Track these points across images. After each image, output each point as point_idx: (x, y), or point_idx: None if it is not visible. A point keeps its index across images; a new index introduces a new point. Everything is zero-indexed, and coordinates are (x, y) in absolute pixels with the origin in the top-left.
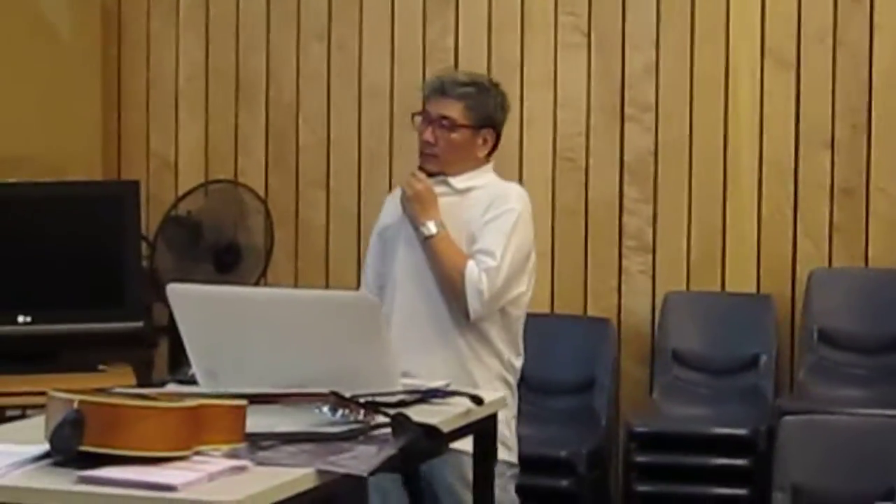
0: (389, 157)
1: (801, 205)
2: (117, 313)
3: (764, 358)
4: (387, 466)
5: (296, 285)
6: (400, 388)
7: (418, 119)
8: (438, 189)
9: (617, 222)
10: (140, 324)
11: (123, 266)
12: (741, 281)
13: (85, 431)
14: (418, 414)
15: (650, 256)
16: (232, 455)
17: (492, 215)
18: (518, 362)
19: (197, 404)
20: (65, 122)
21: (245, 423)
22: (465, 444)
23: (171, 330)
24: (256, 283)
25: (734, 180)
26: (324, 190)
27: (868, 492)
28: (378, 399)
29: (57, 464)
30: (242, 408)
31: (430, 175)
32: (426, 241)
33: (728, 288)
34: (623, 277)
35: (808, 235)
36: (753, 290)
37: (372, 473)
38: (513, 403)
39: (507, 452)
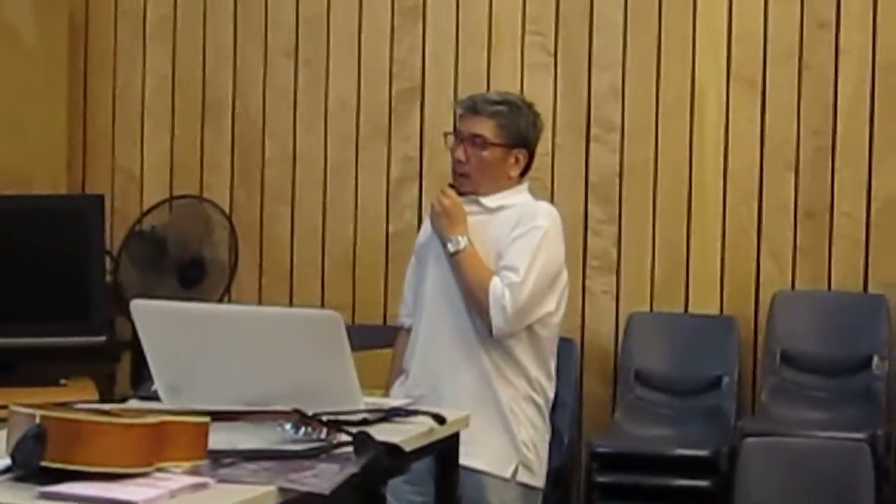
0: (355, 173)
1: (765, 227)
2: (80, 327)
3: (726, 379)
4: (349, 485)
5: (260, 300)
6: (363, 407)
7: (450, 139)
8: (469, 208)
9: (581, 242)
10: (103, 338)
11: (87, 280)
12: (705, 302)
13: (47, 446)
14: (381, 432)
15: (614, 277)
16: (193, 472)
17: (518, 232)
18: (549, 385)
19: (159, 421)
20: (30, 133)
21: (207, 441)
22: (488, 465)
23: (134, 344)
24: (221, 298)
25: (699, 201)
26: (289, 205)
27: None
28: (341, 417)
29: (18, 479)
30: (205, 425)
31: (462, 194)
32: (453, 256)
33: (692, 309)
34: (587, 298)
35: (772, 257)
36: (717, 311)
37: (333, 492)
38: (543, 427)
39: (527, 475)
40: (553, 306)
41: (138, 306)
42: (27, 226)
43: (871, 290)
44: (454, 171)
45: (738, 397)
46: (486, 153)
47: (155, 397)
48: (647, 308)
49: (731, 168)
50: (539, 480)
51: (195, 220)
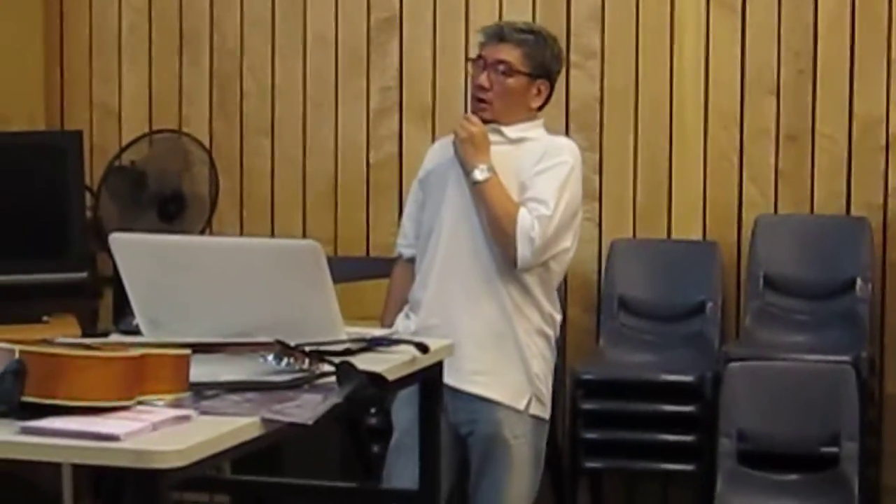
0: (335, 105)
1: (746, 151)
2: (61, 264)
3: (710, 305)
4: (332, 415)
5: (241, 233)
6: (345, 337)
7: (471, 65)
8: (491, 137)
9: None
10: (84, 274)
11: (67, 217)
12: (687, 228)
13: (27, 382)
14: (364, 362)
15: (596, 204)
16: (176, 405)
17: (544, 165)
18: (558, 317)
19: (140, 354)
20: (6, 71)
21: (189, 373)
22: (505, 397)
23: (116, 280)
24: (202, 232)
25: (680, 128)
26: (268, 138)
27: (813, 437)
28: (323, 348)
29: None
30: (186, 357)
31: (484, 122)
32: (476, 185)
33: (674, 235)
34: None
35: (754, 182)
36: (699, 236)
37: (316, 422)
38: (551, 358)
39: (540, 408)
40: (569, 243)
41: (117, 239)
42: (5, 163)
43: (853, 212)
44: (474, 98)
45: (721, 322)
46: (510, 80)
47: (136, 331)
48: (630, 234)
49: (711, 93)
50: (548, 412)
51: (174, 154)
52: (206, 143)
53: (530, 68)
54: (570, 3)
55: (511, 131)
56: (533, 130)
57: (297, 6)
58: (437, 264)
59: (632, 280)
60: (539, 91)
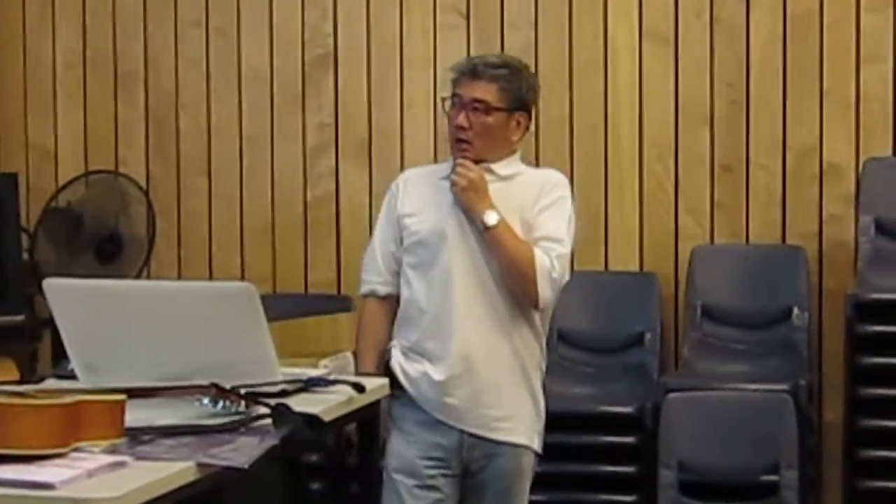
0: (271, 142)
1: (682, 182)
2: None
3: (648, 335)
4: (268, 457)
5: (179, 274)
6: (281, 378)
7: (448, 104)
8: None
9: None
10: (22, 317)
11: (4, 259)
12: (624, 259)
13: None
14: (300, 403)
15: None
16: (111, 451)
17: (547, 202)
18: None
19: (74, 400)
20: None
21: (124, 419)
22: (525, 439)
23: (54, 322)
24: (139, 273)
25: (615, 159)
26: (205, 177)
27: (754, 466)
28: (259, 389)
29: None
30: (121, 402)
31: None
32: (487, 230)
33: (611, 266)
34: None
35: (690, 212)
36: (636, 268)
37: (252, 466)
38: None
39: (538, 442)
40: (569, 275)
41: (51, 285)
42: None
43: (789, 241)
44: (455, 139)
45: (660, 353)
46: (490, 119)
47: (72, 376)
48: None
49: (646, 125)
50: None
51: (111, 194)
52: (143, 184)
53: (507, 103)
54: (504, 36)
55: (500, 168)
56: (517, 164)
57: (230, 44)
58: (452, 315)
59: (569, 312)
60: (518, 123)
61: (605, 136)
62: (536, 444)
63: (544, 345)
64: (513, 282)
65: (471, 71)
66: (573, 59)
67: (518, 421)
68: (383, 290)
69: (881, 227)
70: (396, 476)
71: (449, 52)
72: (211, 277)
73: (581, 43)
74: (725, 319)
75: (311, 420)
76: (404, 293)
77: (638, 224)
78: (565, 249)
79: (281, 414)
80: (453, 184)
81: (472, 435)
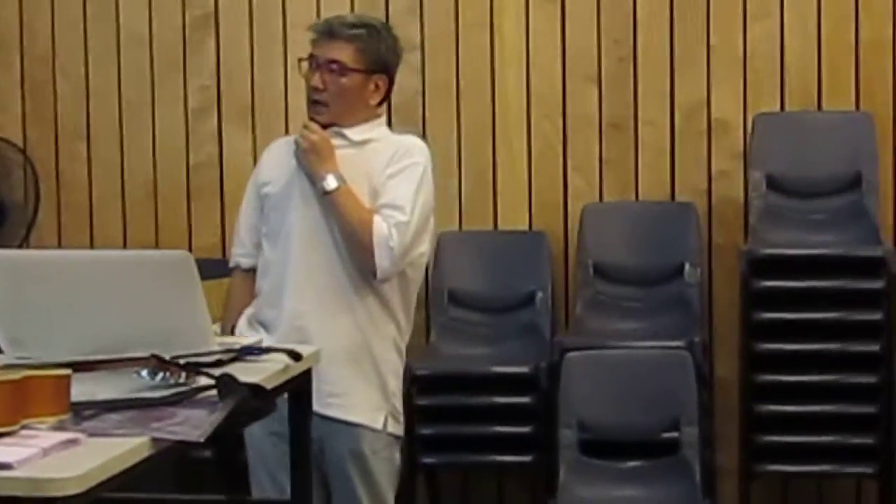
0: (152, 106)
1: (570, 140)
2: None
3: (540, 295)
4: (218, 429)
5: (60, 241)
6: (216, 347)
7: (304, 65)
8: (334, 141)
9: None
10: None
11: None
12: (514, 218)
13: None
14: (239, 373)
15: None
16: (59, 427)
17: (396, 168)
18: (408, 329)
19: (22, 376)
20: None
21: (70, 394)
22: (362, 417)
23: None
24: (22, 242)
25: (503, 118)
26: (84, 142)
27: (654, 423)
28: (194, 360)
29: None
30: (67, 377)
31: (324, 127)
32: (326, 195)
33: (501, 226)
34: None
35: (579, 170)
36: (526, 227)
37: (205, 438)
38: (401, 373)
39: (396, 425)
40: (425, 247)
41: None
42: None
43: (678, 198)
44: (310, 100)
45: (552, 312)
46: (344, 80)
47: None
48: (457, 227)
49: (533, 83)
50: (402, 429)
51: None
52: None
53: (365, 64)
54: None
55: (354, 133)
56: (376, 130)
57: (108, 5)
58: (288, 282)
59: (460, 272)
60: (377, 87)
61: (493, 95)
62: (382, 425)
63: (404, 321)
64: (351, 251)
65: (327, 31)
66: (459, 16)
67: (354, 398)
68: (246, 262)
69: (772, 183)
70: (250, 450)
71: (332, 10)
72: (92, 245)
73: (466, 1)
74: (617, 277)
75: (256, 389)
76: (259, 261)
77: (527, 183)
78: (406, 217)
79: (226, 385)
80: (296, 145)
81: None
